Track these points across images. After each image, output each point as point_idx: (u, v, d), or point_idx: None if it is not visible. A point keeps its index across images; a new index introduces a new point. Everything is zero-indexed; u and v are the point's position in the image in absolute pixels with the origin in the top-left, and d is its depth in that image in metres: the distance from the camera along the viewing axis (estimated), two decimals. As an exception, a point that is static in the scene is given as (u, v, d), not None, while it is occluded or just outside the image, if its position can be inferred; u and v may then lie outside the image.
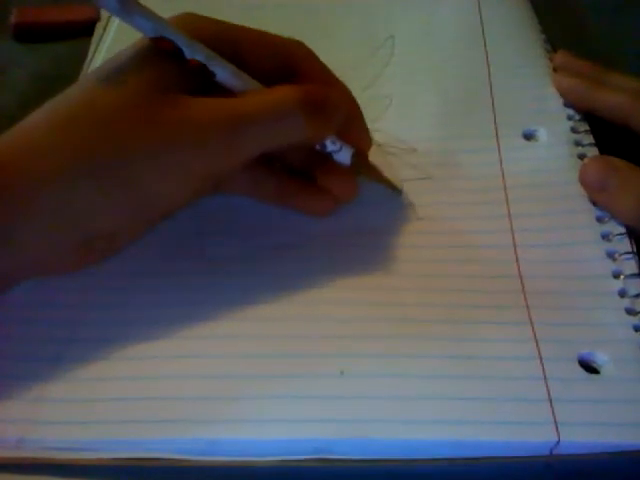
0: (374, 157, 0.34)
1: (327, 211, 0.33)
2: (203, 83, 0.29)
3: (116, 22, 0.43)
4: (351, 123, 0.32)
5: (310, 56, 0.31)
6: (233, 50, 0.29)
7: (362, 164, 0.32)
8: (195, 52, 0.28)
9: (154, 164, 0.27)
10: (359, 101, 0.33)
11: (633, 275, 0.30)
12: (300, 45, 0.31)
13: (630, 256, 0.31)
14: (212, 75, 0.29)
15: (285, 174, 0.33)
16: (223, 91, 0.29)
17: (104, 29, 0.43)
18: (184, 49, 0.28)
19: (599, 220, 0.32)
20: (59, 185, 0.26)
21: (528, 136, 0.36)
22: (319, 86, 0.30)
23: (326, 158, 0.31)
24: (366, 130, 0.33)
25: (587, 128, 0.36)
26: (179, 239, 0.33)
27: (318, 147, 0.31)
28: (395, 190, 0.33)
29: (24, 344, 0.29)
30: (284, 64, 0.30)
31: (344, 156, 0.31)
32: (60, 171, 0.26)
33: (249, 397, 0.27)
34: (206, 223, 0.33)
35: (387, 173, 0.34)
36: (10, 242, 0.26)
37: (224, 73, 0.29)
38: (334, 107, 0.30)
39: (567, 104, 0.37)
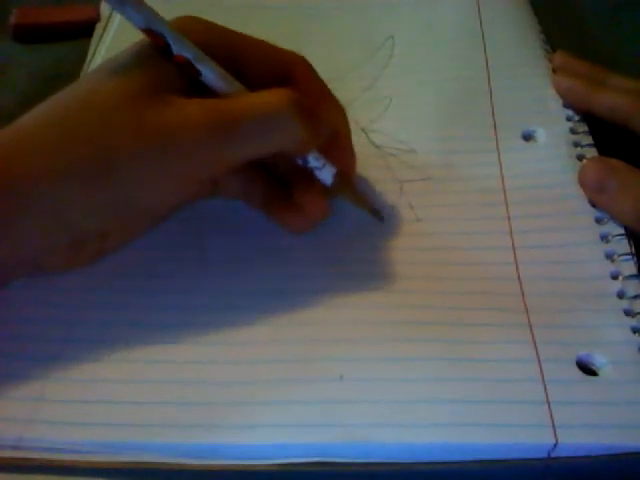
0: (372, 159, 0.34)
1: (301, 229, 0.32)
2: (194, 84, 0.29)
3: (116, 23, 0.43)
4: (339, 142, 0.31)
5: (309, 71, 0.31)
6: (231, 56, 0.29)
7: (344, 186, 0.31)
8: (183, 48, 0.28)
9: (143, 168, 0.27)
10: (359, 102, 0.33)
11: (632, 276, 0.30)
12: (301, 59, 0.31)
13: (629, 257, 0.31)
14: (197, 74, 0.28)
15: (272, 184, 0.32)
16: (210, 94, 0.29)
17: (104, 30, 0.43)
18: (172, 44, 0.28)
19: (598, 221, 0.32)
20: (49, 185, 0.26)
21: (527, 137, 0.36)
22: (312, 98, 0.30)
23: (307, 175, 0.31)
24: (352, 152, 0.32)
25: (586, 129, 0.36)
26: (179, 241, 0.33)
27: (301, 162, 0.30)
28: (377, 217, 0.32)
29: (24, 343, 0.29)
30: (282, 76, 0.30)
31: (326, 175, 0.31)
32: (50, 172, 0.26)
33: (248, 403, 0.27)
34: (206, 225, 0.33)
35: (371, 200, 0.33)
36: (1, 240, 0.26)
37: (210, 73, 0.28)
38: (325, 116, 0.30)
39: (566, 105, 0.37)
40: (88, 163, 0.26)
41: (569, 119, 0.36)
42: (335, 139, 0.31)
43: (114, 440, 0.26)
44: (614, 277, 0.30)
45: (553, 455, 0.26)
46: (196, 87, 0.29)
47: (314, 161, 0.30)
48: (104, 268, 0.31)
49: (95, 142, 0.27)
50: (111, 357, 0.28)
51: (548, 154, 0.35)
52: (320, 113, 0.30)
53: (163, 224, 0.31)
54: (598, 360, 0.28)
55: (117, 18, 0.43)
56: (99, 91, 0.28)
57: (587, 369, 0.28)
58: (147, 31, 0.28)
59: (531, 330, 0.29)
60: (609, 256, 0.31)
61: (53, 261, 0.29)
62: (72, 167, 0.26)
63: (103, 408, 0.27)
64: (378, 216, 0.33)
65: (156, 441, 0.26)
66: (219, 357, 0.28)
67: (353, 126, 0.33)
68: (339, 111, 0.32)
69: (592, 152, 0.35)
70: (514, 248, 0.32)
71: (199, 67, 0.28)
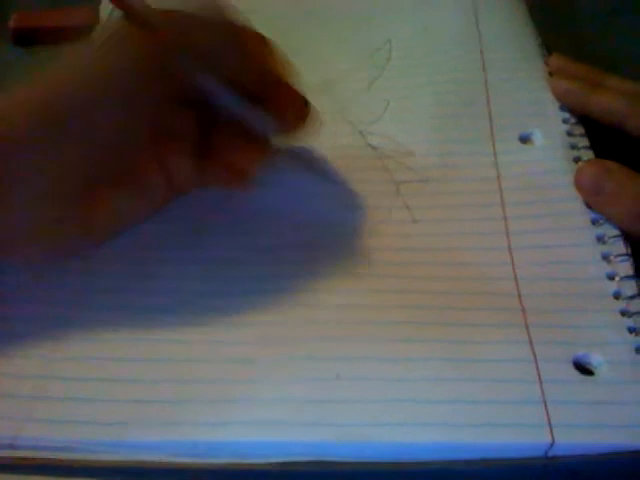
0: (369, 161, 0.34)
1: (234, 184, 0.31)
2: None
3: (115, 26, 0.43)
4: (280, 91, 0.30)
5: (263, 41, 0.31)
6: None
7: (284, 137, 0.31)
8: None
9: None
10: (356, 105, 0.33)
11: (628, 277, 0.30)
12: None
13: (625, 258, 0.31)
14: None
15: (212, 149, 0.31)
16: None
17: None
18: None
19: (594, 223, 0.32)
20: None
21: (524, 139, 0.36)
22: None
23: (243, 132, 0.30)
24: (297, 102, 0.31)
25: (583, 131, 0.36)
26: (176, 241, 0.33)
27: (237, 111, 0.29)
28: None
29: (20, 341, 0.29)
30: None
31: (263, 125, 0.30)
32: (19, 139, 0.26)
33: (245, 401, 0.27)
34: (203, 225, 0.33)
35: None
36: None
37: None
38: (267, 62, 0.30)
39: (563, 107, 0.37)
40: (53, 119, 0.27)
41: (566, 121, 0.37)
42: (277, 89, 0.30)
43: (112, 440, 0.26)
44: (610, 278, 0.30)
45: (550, 454, 0.26)
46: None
47: (249, 113, 0.30)
48: (100, 267, 0.31)
49: (61, 99, 0.28)
50: (108, 356, 0.28)
51: (545, 156, 0.35)
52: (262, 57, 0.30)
53: (159, 224, 0.31)
54: (595, 360, 0.28)
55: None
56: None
57: (584, 369, 0.28)
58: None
59: (528, 330, 0.29)
60: (605, 257, 0.31)
61: (32, 242, 0.28)
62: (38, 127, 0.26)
63: (100, 406, 0.27)
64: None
65: (155, 439, 0.26)
66: (215, 356, 0.28)
67: (351, 128, 0.33)
68: (284, 61, 0.31)
69: (589, 154, 0.35)
70: (511, 249, 0.32)
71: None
